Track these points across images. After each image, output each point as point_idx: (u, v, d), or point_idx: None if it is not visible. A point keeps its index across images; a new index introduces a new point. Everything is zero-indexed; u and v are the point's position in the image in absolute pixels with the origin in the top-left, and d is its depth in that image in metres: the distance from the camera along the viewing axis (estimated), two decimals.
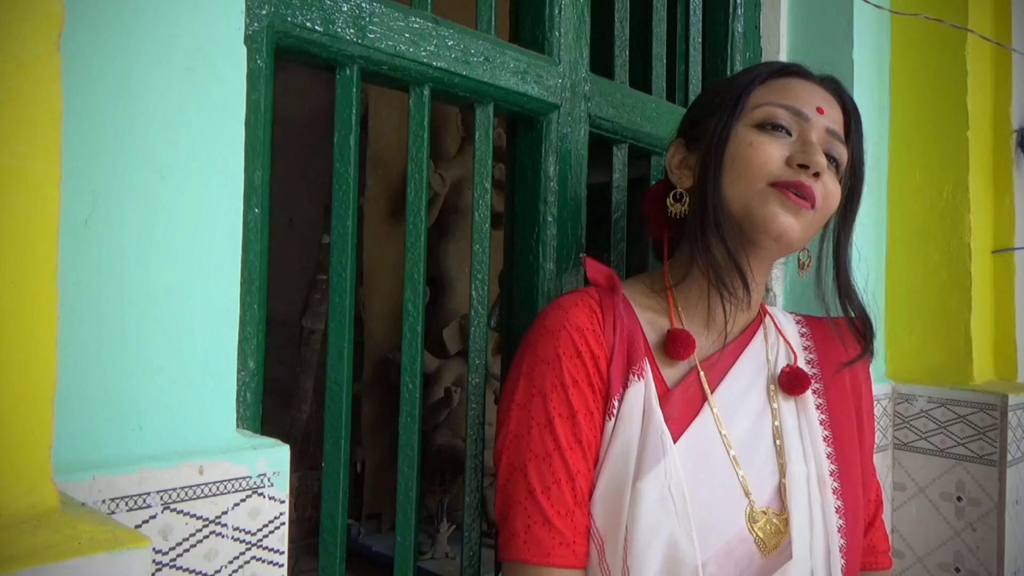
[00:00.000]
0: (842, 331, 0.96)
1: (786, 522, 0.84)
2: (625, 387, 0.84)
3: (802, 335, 1.00)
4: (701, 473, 0.82)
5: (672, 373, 0.89)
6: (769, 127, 0.86)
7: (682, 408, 0.86)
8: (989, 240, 1.50)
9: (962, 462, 1.39)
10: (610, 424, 0.83)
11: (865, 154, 0.93)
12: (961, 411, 1.39)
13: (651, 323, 0.91)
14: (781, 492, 0.86)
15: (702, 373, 0.88)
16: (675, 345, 0.87)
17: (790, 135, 0.86)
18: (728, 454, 0.85)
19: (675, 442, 0.82)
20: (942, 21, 1.39)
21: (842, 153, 0.89)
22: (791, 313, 1.04)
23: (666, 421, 0.83)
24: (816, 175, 0.84)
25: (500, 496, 0.85)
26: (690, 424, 0.85)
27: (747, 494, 0.84)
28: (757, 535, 0.82)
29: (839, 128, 0.89)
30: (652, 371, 0.86)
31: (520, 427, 0.84)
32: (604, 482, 0.82)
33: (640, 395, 0.84)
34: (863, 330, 0.95)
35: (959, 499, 1.38)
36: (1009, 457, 1.35)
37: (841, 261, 0.93)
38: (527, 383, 0.85)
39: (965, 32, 1.42)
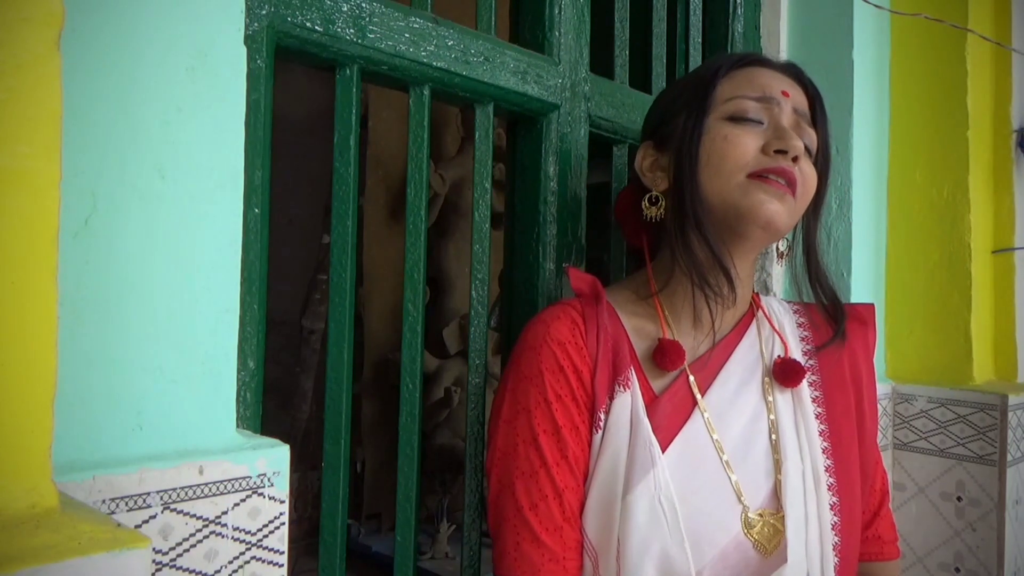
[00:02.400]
0: (813, 316, 0.96)
1: (783, 521, 0.83)
2: (611, 399, 0.83)
3: (799, 324, 0.98)
4: (693, 481, 0.81)
5: (660, 380, 0.87)
6: (740, 119, 0.85)
7: (670, 415, 0.84)
8: (989, 240, 1.50)
9: (962, 462, 1.39)
10: (598, 437, 0.83)
11: (831, 137, 0.93)
12: (961, 411, 1.39)
13: (638, 330, 0.90)
14: (777, 491, 0.84)
15: (691, 377, 0.87)
16: (664, 357, 0.86)
17: (762, 124, 0.85)
18: (720, 459, 0.83)
19: (664, 451, 0.81)
20: (942, 21, 1.39)
21: (812, 136, 0.89)
22: (790, 303, 1.03)
23: (654, 430, 0.82)
24: (795, 159, 0.84)
25: (491, 513, 0.85)
26: (679, 431, 0.84)
27: (740, 499, 0.82)
28: (755, 539, 0.82)
29: (806, 111, 0.89)
30: (639, 380, 0.85)
31: (507, 444, 0.84)
32: (595, 495, 0.82)
33: (627, 406, 0.83)
34: (833, 313, 0.94)
35: (959, 499, 1.38)
36: (1009, 457, 1.35)
37: (811, 245, 0.93)
38: (512, 400, 0.84)
39: (965, 32, 1.42)
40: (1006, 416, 1.34)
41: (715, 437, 0.84)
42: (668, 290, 0.91)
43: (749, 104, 0.85)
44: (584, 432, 0.83)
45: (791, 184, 0.83)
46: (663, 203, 0.90)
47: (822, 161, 0.91)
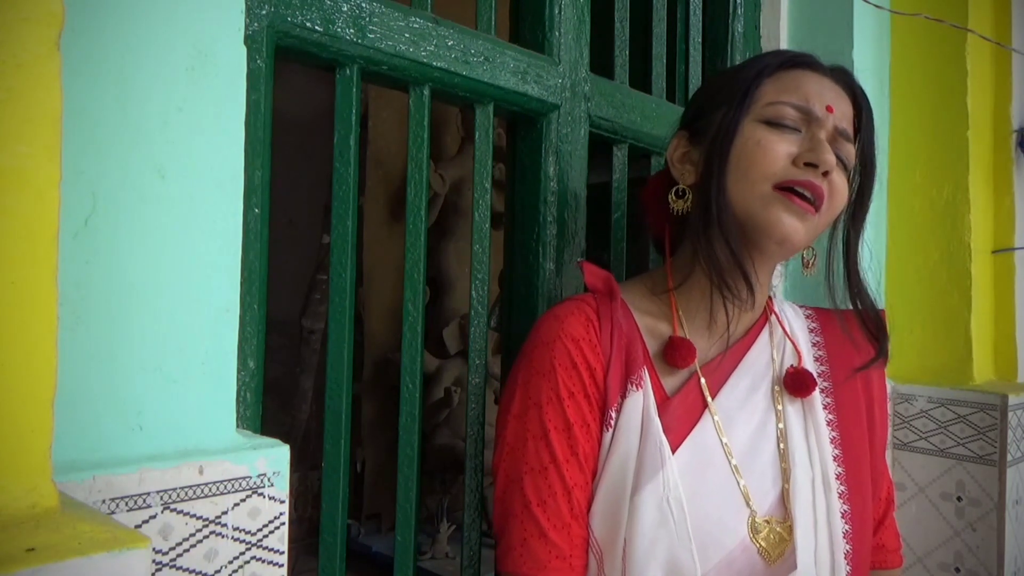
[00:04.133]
0: (851, 327, 0.93)
1: (790, 530, 0.82)
2: (623, 397, 0.83)
3: (811, 330, 0.97)
4: (701, 483, 0.81)
5: (672, 380, 0.87)
6: (777, 124, 0.83)
7: (681, 416, 0.84)
8: (989, 240, 1.50)
9: (962, 462, 1.39)
10: (608, 435, 0.82)
11: (876, 148, 0.90)
12: (961, 411, 1.39)
13: (651, 329, 0.89)
14: (784, 499, 0.84)
15: (703, 380, 0.86)
16: (675, 354, 0.85)
17: (799, 132, 0.83)
18: (729, 463, 0.83)
19: (674, 452, 0.81)
20: (942, 21, 1.39)
21: (850, 153, 0.86)
22: (801, 307, 1.01)
23: (665, 431, 0.81)
24: (825, 173, 0.81)
25: (498, 508, 0.84)
26: (689, 433, 0.83)
27: (748, 504, 0.82)
28: (760, 545, 0.81)
29: (848, 125, 0.86)
30: (651, 380, 0.84)
31: (516, 439, 0.83)
32: (603, 494, 0.81)
33: (638, 405, 0.82)
34: (876, 332, 0.91)
35: (959, 499, 1.38)
36: (1009, 457, 1.35)
37: (852, 261, 0.90)
38: (523, 395, 0.84)
39: (965, 32, 1.42)
40: (1006, 416, 1.34)
41: (724, 441, 0.84)
42: (685, 288, 0.90)
43: (789, 111, 0.83)
44: (595, 430, 0.83)
45: (818, 199, 0.81)
46: (690, 197, 0.88)
47: (864, 173, 0.88)
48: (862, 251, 0.91)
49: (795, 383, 0.89)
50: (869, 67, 1.48)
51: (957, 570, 1.38)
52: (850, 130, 0.87)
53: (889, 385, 1.47)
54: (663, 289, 0.91)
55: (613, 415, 0.83)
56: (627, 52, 1.23)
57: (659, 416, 0.82)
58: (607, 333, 0.84)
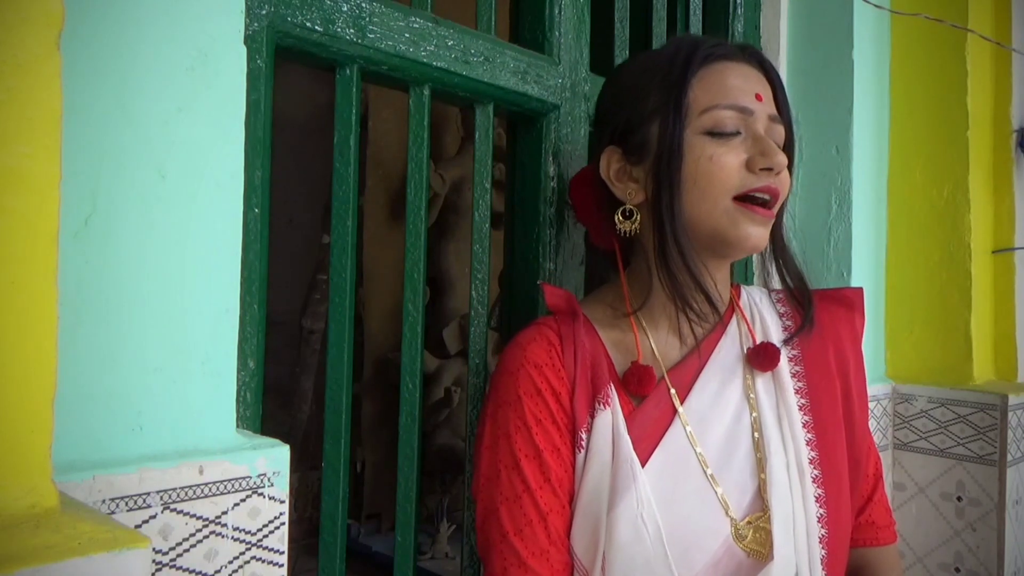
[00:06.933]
0: (781, 303, 0.94)
1: (771, 520, 0.82)
2: (592, 417, 0.83)
3: (782, 315, 0.95)
4: (677, 492, 0.81)
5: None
6: (719, 134, 0.82)
7: (650, 426, 0.83)
8: (989, 240, 1.50)
9: (962, 462, 1.39)
10: (581, 457, 0.82)
11: (794, 122, 0.90)
12: (961, 411, 1.39)
13: (617, 344, 0.88)
14: (762, 490, 0.83)
15: (672, 390, 0.86)
16: (639, 383, 0.85)
17: (739, 134, 0.83)
18: (705, 473, 0.82)
19: (646, 463, 0.81)
20: (942, 21, 1.39)
21: (782, 135, 0.86)
22: (773, 291, 0.99)
23: (635, 443, 0.81)
24: (778, 173, 0.82)
25: (479, 538, 0.85)
26: (660, 441, 0.83)
27: (727, 512, 0.82)
28: (749, 549, 0.81)
29: (773, 106, 0.86)
30: (618, 396, 0.84)
31: (490, 470, 0.83)
32: (580, 515, 0.81)
33: (608, 424, 0.82)
34: (802, 301, 0.92)
35: (959, 499, 1.38)
36: (1009, 457, 1.35)
37: (778, 236, 0.91)
38: (492, 425, 0.84)
39: (965, 32, 1.42)
40: (1006, 416, 1.34)
41: (698, 450, 0.83)
42: (647, 303, 0.89)
43: (727, 116, 0.82)
44: (566, 453, 0.83)
45: (774, 199, 0.83)
46: (638, 217, 0.87)
47: (787, 147, 0.88)
48: (786, 223, 0.92)
49: (759, 357, 0.89)
50: (869, 67, 1.48)
51: (957, 570, 1.38)
52: (775, 111, 0.86)
53: (889, 385, 1.47)
54: (624, 309, 0.90)
55: (584, 436, 0.83)
56: (627, 52, 1.23)
57: (628, 429, 0.82)
58: (570, 355, 0.84)
